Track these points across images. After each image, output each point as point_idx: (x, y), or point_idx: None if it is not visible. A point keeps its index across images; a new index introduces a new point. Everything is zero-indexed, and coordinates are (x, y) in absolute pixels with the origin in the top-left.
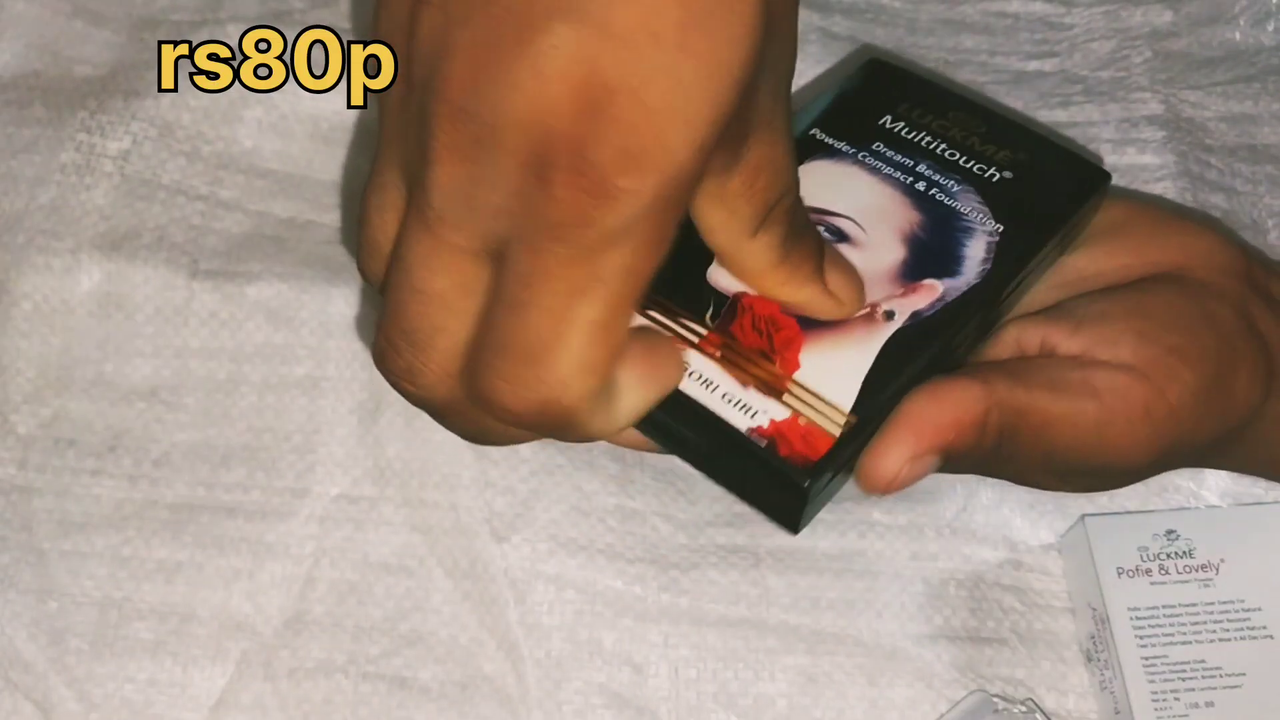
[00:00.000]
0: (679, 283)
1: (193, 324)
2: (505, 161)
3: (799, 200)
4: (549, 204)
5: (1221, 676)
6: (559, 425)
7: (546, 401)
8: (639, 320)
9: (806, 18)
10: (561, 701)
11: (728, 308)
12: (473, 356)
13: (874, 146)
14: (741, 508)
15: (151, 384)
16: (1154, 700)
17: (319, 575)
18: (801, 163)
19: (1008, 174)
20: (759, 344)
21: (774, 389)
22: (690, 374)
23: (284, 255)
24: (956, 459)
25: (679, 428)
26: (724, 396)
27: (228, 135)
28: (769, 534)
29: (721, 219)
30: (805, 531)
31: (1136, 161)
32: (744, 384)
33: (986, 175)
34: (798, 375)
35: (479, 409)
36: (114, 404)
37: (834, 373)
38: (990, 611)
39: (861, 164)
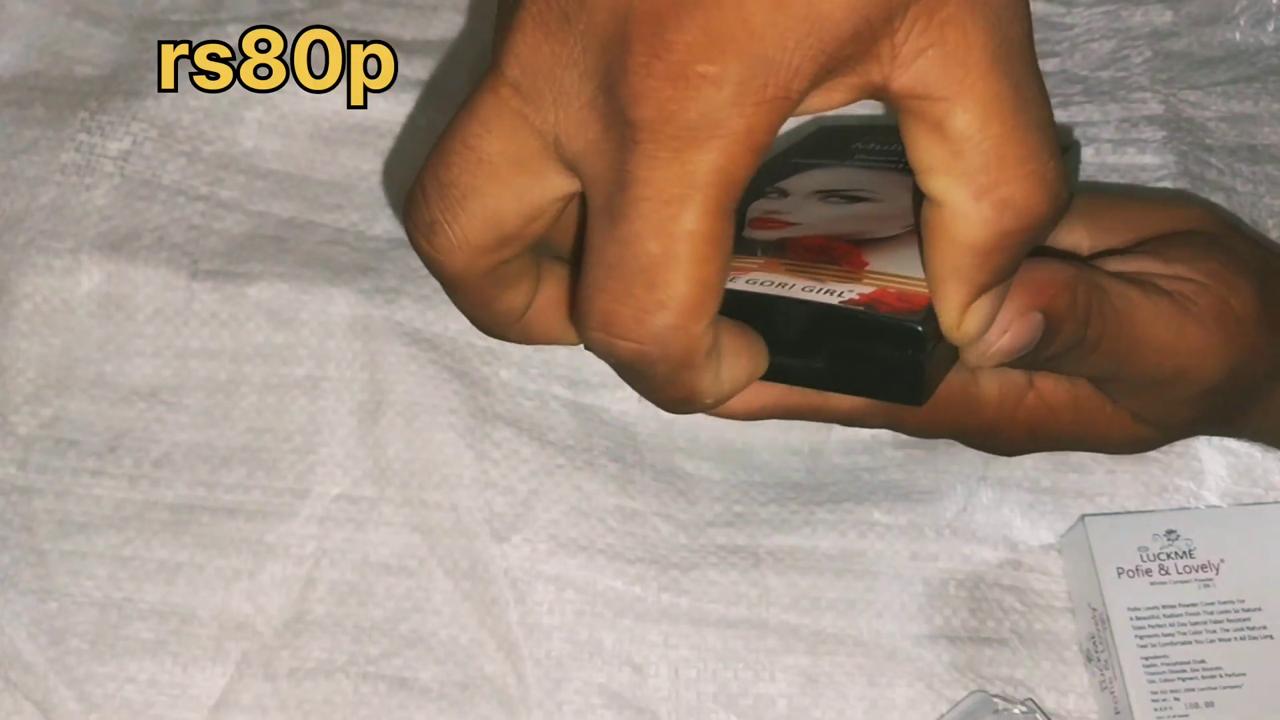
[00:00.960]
0: None
1: (193, 324)
2: (588, 39)
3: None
4: (627, 91)
5: (1221, 677)
6: (678, 363)
7: (671, 330)
8: None
9: None
10: (561, 701)
11: (775, 245)
12: (580, 284)
13: (856, 156)
14: (742, 507)
15: (152, 384)
16: (1154, 700)
17: (319, 576)
18: (786, 177)
19: None
20: (821, 257)
21: (851, 277)
22: (762, 283)
23: (284, 256)
24: (1057, 324)
25: (773, 327)
26: (803, 290)
27: (228, 135)
28: (769, 534)
29: (940, 157)
30: (805, 531)
31: (1137, 161)
32: (820, 279)
33: None
34: (869, 268)
35: (591, 342)
36: (114, 404)
37: (904, 263)
38: (990, 611)
39: (851, 165)
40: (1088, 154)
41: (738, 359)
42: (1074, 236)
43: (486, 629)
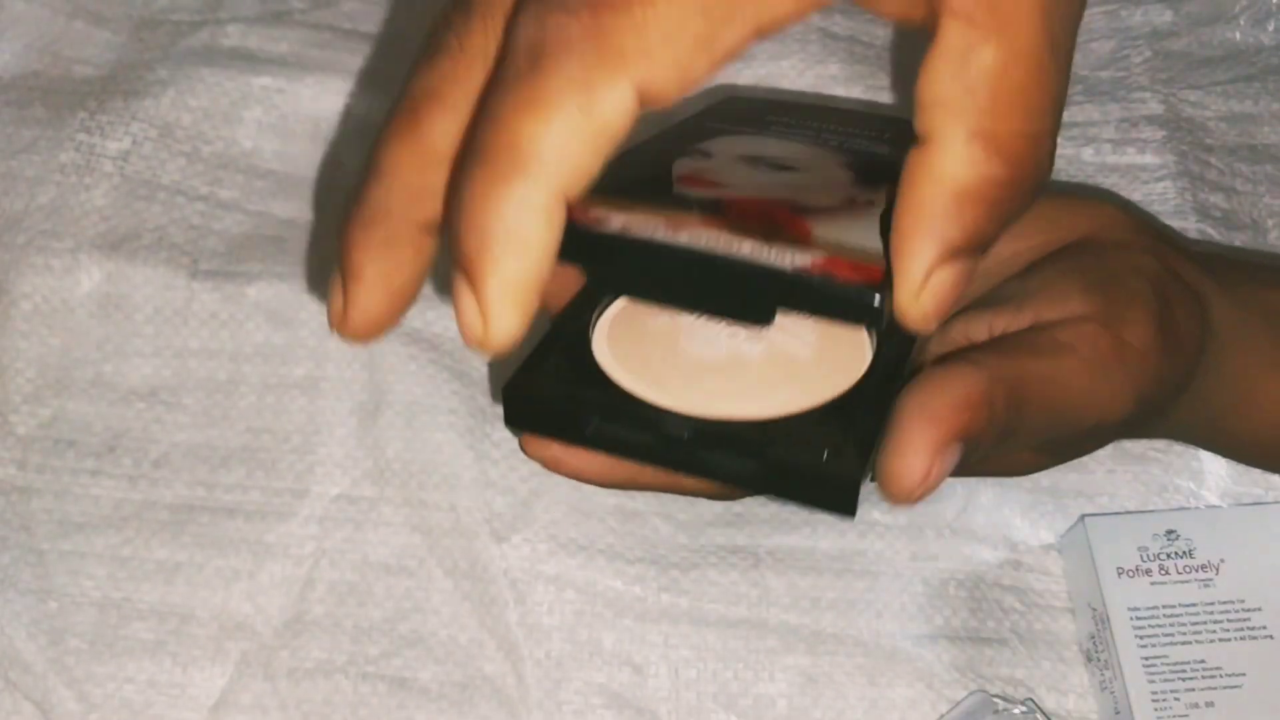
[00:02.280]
0: (652, 190)
1: (192, 324)
2: None
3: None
4: None
5: (1221, 676)
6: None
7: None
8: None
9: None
10: (561, 702)
11: (711, 204)
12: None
13: (772, 128)
14: (741, 507)
15: (151, 384)
16: (1154, 700)
17: (319, 576)
18: (706, 139)
19: (886, 145)
20: (762, 219)
21: (799, 241)
22: (706, 241)
23: (284, 255)
24: (975, 442)
25: (718, 291)
26: (750, 250)
27: (227, 136)
28: (769, 534)
29: (952, 90)
30: (805, 531)
31: (1136, 161)
32: (767, 241)
33: (877, 141)
34: (814, 234)
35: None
36: (113, 404)
37: (849, 232)
38: (990, 611)
39: (771, 136)
40: (1088, 154)
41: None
42: (999, 245)
43: (486, 629)
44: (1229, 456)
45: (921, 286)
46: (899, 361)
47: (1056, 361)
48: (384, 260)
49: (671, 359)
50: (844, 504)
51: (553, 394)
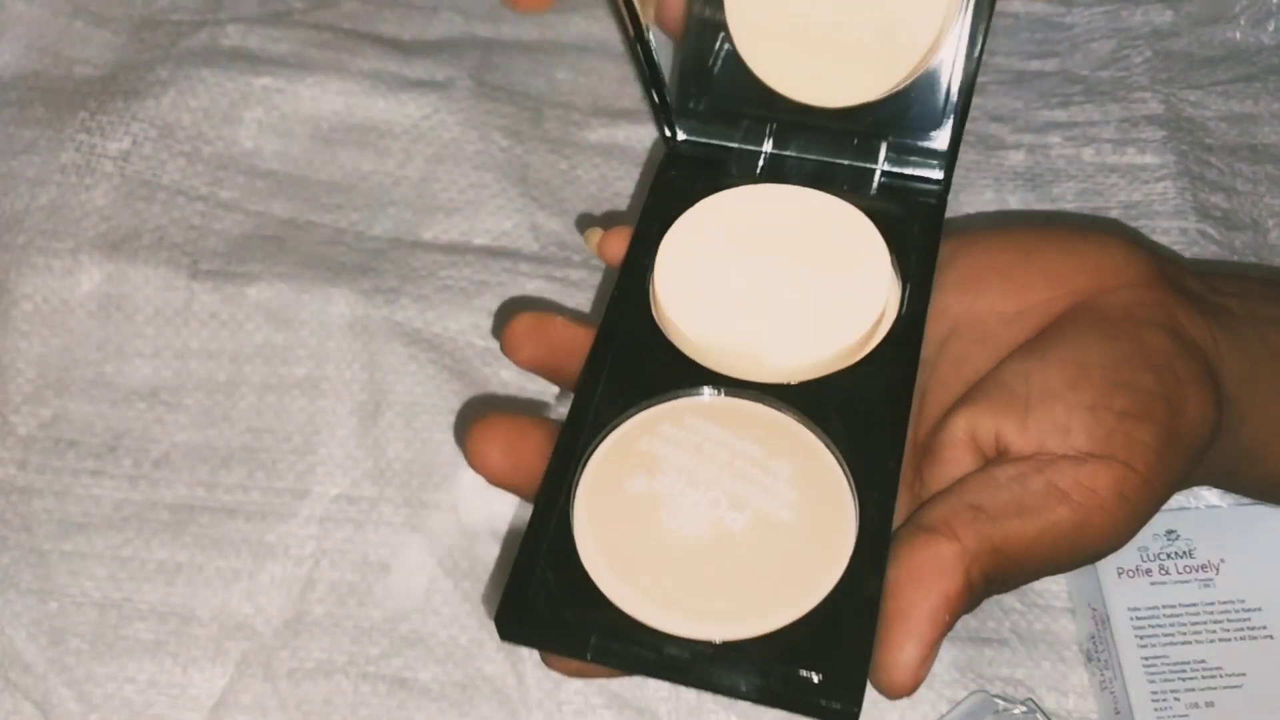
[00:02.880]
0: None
1: (193, 325)
2: None
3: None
4: None
5: (1222, 676)
6: None
7: None
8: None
9: None
10: (561, 702)
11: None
12: None
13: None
14: None
15: (151, 385)
16: (1154, 700)
17: (319, 576)
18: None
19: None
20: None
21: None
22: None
23: (284, 256)
24: (957, 617)
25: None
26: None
27: (228, 136)
28: None
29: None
30: None
31: (1137, 161)
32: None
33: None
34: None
35: None
36: (114, 405)
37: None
38: (990, 611)
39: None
40: (1088, 154)
41: None
42: (989, 298)
43: (486, 629)
44: (1247, 496)
45: (902, 672)
46: (884, 513)
47: (1048, 518)
48: None
49: (656, 543)
50: (846, 714)
51: (546, 618)
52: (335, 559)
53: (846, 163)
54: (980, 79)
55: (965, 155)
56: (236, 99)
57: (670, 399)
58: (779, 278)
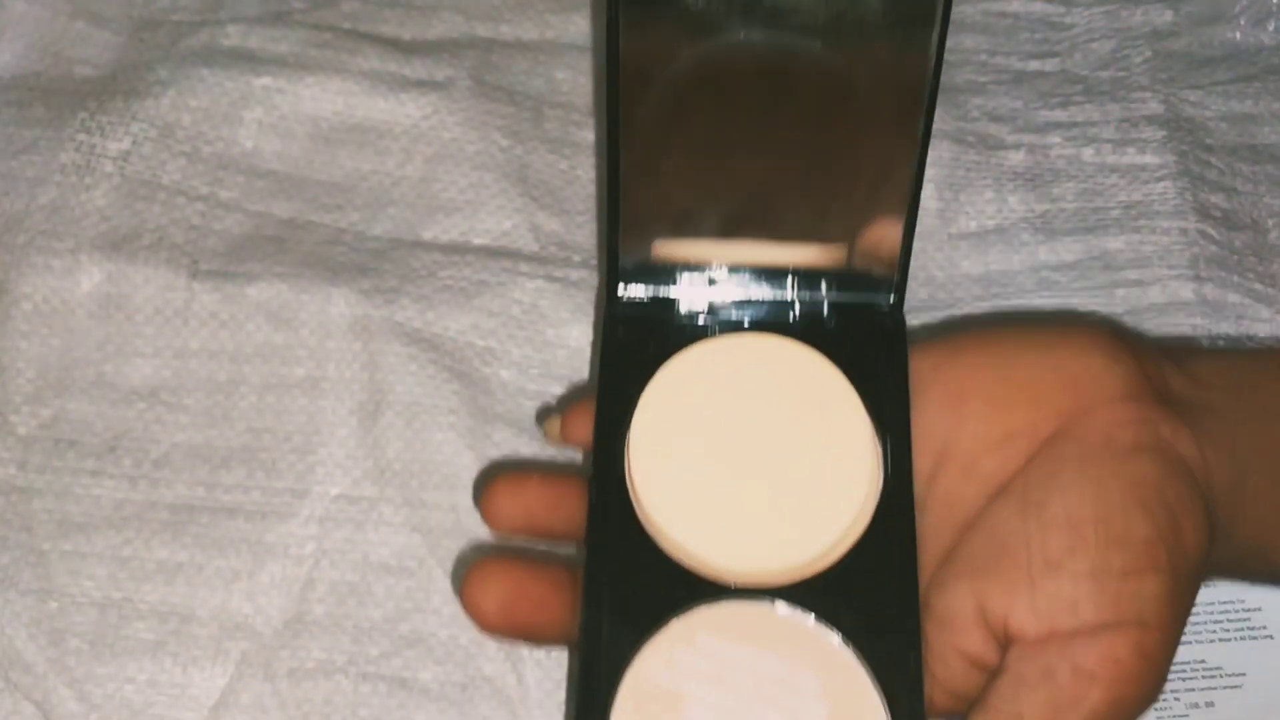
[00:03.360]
0: None
1: (193, 325)
2: None
3: None
4: None
5: (1221, 676)
6: None
7: None
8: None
9: None
10: (561, 702)
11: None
12: None
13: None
14: None
15: (151, 385)
16: None
17: (319, 576)
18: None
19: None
20: None
21: None
22: None
23: (284, 256)
24: None
25: None
26: None
27: (228, 136)
28: None
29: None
30: None
31: (1137, 161)
32: None
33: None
34: None
35: None
36: (114, 405)
37: None
38: None
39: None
40: (1088, 154)
41: None
42: (973, 423)
43: None
44: (1254, 583)
45: None
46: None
47: (1084, 708)
48: None
49: None
50: None
51: None
52: (335, 559)
53: (797, 298)
54: (980, 79)
55: (965, 155)
56: (236, 99)
57: (678, 618)
58: (761, 461)
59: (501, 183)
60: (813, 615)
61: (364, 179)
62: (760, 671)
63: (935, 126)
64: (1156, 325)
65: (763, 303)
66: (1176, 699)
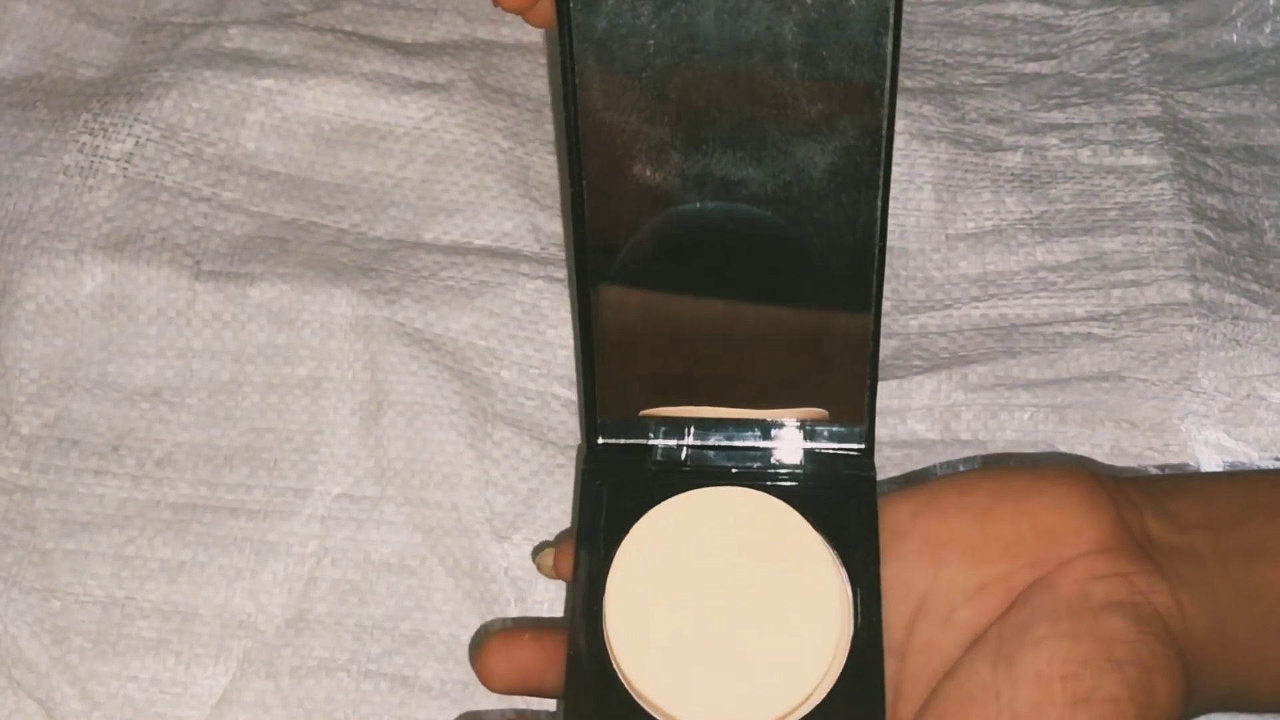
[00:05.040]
0: None
1: (195, 325)
2: None
3: None
4: None
5: None
6: None
7: None
8: None
9: None
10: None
11: None
12: None
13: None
14: None
15: (154, 385)
16: None
17: (321, 574)
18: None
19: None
20: None
21: None
22: None
23: (286, 256)
24: None
25: None
26: None
27: (230, 137)
28: None
29: None
30: None
31: (1134, 163)
32: None
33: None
34: None
35: None
36: (117, 404)
37: None
38: None
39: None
40: (1085, 155)
41: None
42: (950, 571)
43: (487, 628)
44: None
45: None
46: None
47: None
48: None
49: None
50: None
51: None
52: (337, 557)
53: (768, 447)
54: (977, 81)
55: (962, 156)
56: (239, 101)
57: None
58: (734, 616)
59: (502, 184)
60: None
61: (366, 180)
62: None
63: (934, 128)
64: (1153, 325)
65: (737, 450)
66: None
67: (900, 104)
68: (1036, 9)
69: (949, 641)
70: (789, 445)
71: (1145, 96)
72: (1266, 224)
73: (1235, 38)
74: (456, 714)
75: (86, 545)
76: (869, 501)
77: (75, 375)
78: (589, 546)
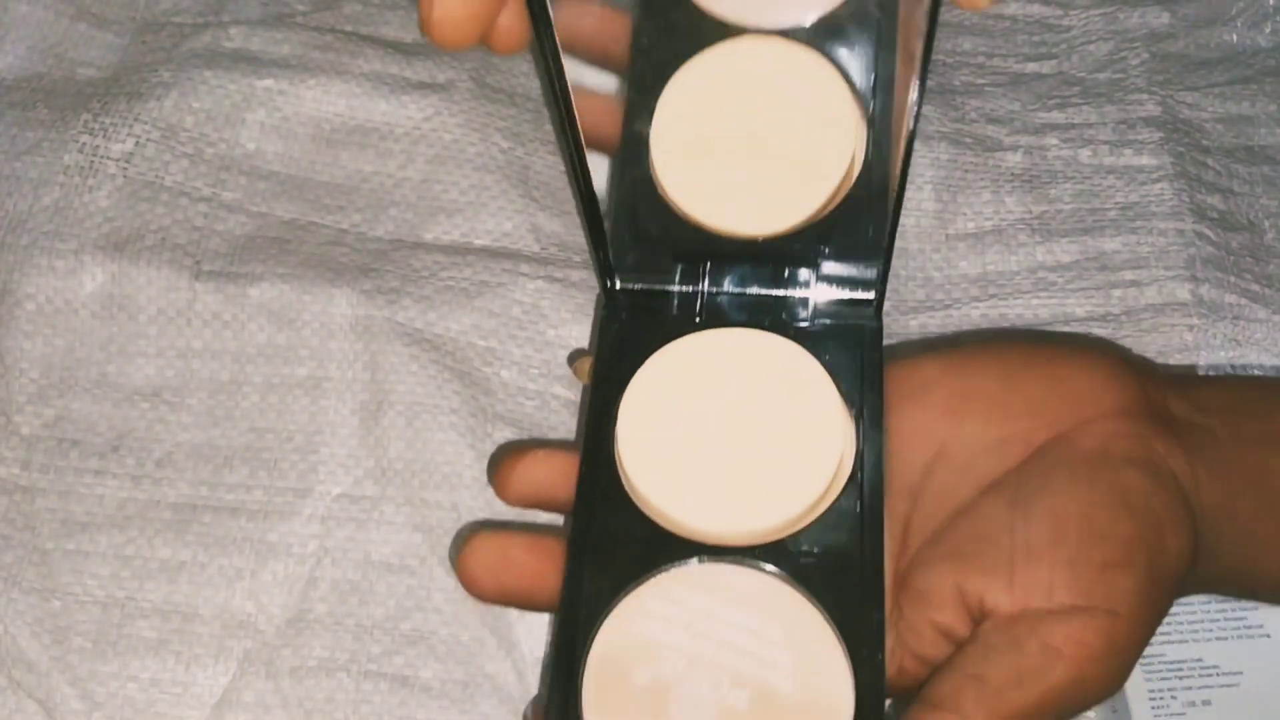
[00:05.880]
0: None
1: (195, 325)
2: None
3: None
4: None
5: (1218, 675)
6: None
7: None
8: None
9: None
10: None
11: None
12: None
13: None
14: None
15: (154, 385)
16: (1151, 698)
17: (321, 574)
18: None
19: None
20: None
21: None
22: None
23: (286, 257)
24: None
25: None
26: None
27: (230, 137)
28: None
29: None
30: None
31: (1133, 163)
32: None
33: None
34: None
35: None
36: (117, 404)
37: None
38: None
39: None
40: (1085, 155)
41: None
42: (973, 425)
43: (488, 627)
44: (1242, 600)
45: None
46: (876, 669)
47: (1047, 679)
48: None
49: None
50: None
51: None
52: (337, 557)
53: (782, 293)
54: (978, 81)
55: (962, 156)
56: (239, 101)
57: (655, 574)
58: (738, 437)
59: (502, 184)
60: (782, 573)
61: (366, 180)
62: (729, 620)
63: (934, 128)
64: (1153, 325)
65: (751, 297)
66: (1174, 697)
67: None
68: (1036, 9)
69: (964, 487)
70: (802, 292)
71: (1145, 96)
72: (1266, 224)
73: (1235, 38)
74: (456, 714)
75: (86, 545)
76: (875, 342)
77: (75, 375)
78: (604, 378)
